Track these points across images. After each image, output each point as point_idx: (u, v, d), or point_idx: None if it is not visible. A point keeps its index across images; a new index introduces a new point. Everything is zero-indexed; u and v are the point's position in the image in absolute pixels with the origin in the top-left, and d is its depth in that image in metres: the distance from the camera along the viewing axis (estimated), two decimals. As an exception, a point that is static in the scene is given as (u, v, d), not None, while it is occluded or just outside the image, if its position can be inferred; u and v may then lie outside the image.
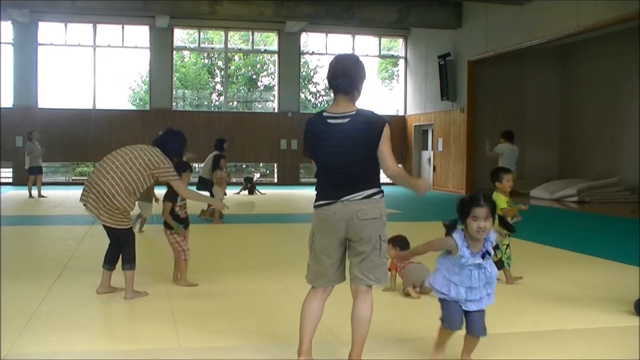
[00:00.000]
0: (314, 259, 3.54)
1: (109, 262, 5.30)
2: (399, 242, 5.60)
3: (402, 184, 3.57)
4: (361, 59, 3.63)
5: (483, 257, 3.45)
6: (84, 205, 5.12)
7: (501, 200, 5.82)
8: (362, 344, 3.47)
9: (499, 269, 5.74)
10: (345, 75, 3.47)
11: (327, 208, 3.43)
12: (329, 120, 3.46)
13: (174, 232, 5.63)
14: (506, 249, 5.96)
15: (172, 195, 5.62)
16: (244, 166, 22.36)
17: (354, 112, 3.45)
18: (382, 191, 3.50)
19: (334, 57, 3.61)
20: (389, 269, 5.33)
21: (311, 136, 3.52)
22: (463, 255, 3.43)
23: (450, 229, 3.51)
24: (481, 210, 3.39)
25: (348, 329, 3.54)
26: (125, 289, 5.18)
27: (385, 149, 3.43)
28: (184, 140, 5.50)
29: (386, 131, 3.44)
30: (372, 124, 3.43)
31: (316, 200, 3.52)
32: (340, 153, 3.42)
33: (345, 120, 3.43)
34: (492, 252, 3.56)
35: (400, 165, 3.46)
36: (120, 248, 5.21)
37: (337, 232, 3.43)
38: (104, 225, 5.17)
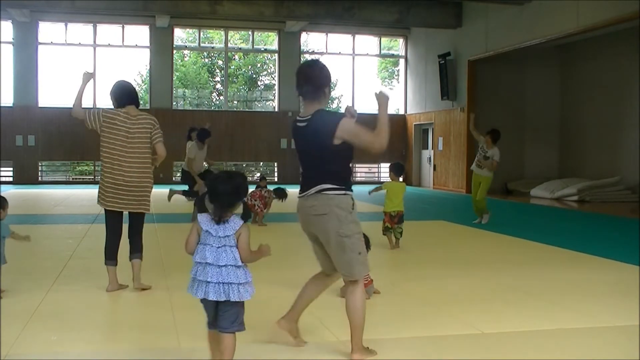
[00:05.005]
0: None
1: (113, 257, 5.31)
2: None
3: (383, 124, 3.55)
4: (322, 62, 3.83)
5: None
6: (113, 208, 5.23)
7: None
8: (356, 332, 3.60)
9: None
10: (308, 83, 3.68)
11: (298, 203, 3.75)
12: (297, 124, 3.74)
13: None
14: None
15: None
16: (244, 165, 22.37)
17: (309, 117, 3.66)
18: (340, 187, 3.60)
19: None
20: None
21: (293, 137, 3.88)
22: None
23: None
24: None
25: (348, 328, 3.54)
26: (134, 279, 5.31)
27: (350, 136, 3.53)
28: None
29: (342, 125, 3.54)
30: (322, 125, 3.59)
31: None
32: (302, 152, 3.76)
33: (304, 124, 3.67)
34: None
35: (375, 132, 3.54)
36: (134, 236, 5.32)
37: (303, 225, 3.74)
38: (113, 213, 5.25)
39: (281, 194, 9.97)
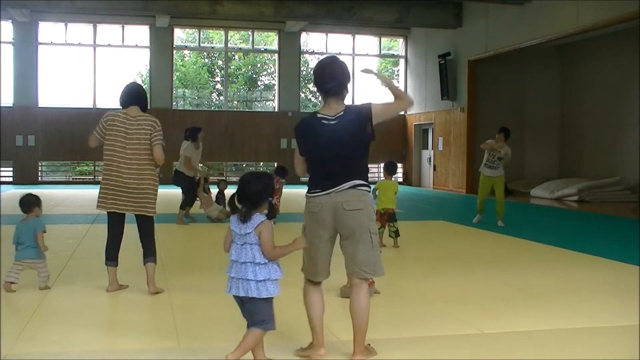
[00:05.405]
0: (307, 252, 3.69)
1: (113, 258, 5.31)
2: None
3: (395, 88, 3.87)
4: (341, 59, 3.83)
5: None
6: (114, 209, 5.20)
7: None
8: (360, 333, 3.58)
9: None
10: (334, 79, 3.66)
11: (315, 199, 3.64)
12: (323, 121, 3.66)
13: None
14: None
15: None
16: (244, 165, 22.37)
17: (341, 113, 3.64)
18: (367, 185, 3.67)
19: (317, 63, 3.82)
20: None
21: (306, 134, 3.73)
22: None
23: None
24: None
25: (348, 328, 3.53)
26: (147, 282, 5.25)
27: (384, 113, 3.68)
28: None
29: (374, 107, 3.65)
30: (358, 116, 3.63)
31: (307, 191, 3.74)
32: (326, 150, 3.62)
33: (335, 121, 3.62)
34: None
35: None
36: (144, 240, 5.27)
37: (325, 223, 3.60)
38: (114, 215, 5.22)
39: (283, 171, 10.06)
